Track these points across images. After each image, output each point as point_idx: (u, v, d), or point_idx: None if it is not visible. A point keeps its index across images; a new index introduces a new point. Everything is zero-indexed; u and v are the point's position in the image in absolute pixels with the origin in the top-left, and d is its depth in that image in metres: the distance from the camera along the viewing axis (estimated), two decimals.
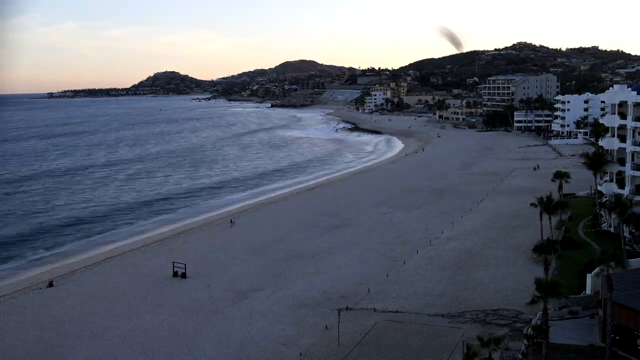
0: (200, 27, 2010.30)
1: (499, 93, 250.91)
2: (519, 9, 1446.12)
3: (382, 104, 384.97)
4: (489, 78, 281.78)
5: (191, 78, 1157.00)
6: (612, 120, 71.37)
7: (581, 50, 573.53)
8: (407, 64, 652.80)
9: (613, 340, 37.46)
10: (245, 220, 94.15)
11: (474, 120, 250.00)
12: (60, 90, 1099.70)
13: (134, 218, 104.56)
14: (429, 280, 60.11)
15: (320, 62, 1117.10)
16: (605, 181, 72.53)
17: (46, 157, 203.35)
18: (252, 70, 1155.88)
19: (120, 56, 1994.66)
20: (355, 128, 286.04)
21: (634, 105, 66.84)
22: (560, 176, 77.43)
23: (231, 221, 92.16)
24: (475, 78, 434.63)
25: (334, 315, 49.29)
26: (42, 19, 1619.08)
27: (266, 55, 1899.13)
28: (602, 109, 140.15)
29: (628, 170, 68.02)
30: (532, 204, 64.86)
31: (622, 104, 69.14)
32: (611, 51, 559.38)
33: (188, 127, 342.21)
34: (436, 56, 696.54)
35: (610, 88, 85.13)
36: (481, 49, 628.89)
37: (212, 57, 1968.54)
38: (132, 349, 47.69)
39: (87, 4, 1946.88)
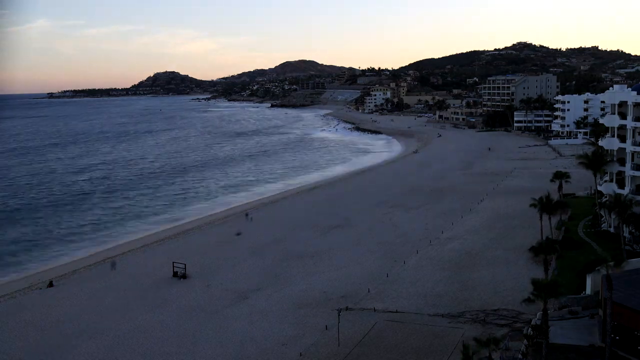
0: (200, 27, 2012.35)
1: (498, 93, 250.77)
2: (519, 9, 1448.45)
3: (382, 104, 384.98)
4: (489, 78, 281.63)
5: (191, 78, 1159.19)
6: (612, 120, 71.34)
7: (581, 50, 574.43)
8: (407, 64, 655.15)
9: (613, 340, 37.47)
10: (245, 220, 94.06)
11: (473, 120, 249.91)
12: (60, 91, 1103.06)
13: (134, 218, 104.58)
14: (429, 280, 60.08)
15: (320, 62, 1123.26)
16: (605, 181, 72.53)
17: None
18: (252, 70, 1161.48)
19: (118, 56, 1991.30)
20: (356, 128, 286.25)
21: (634, 105, 66.83)
22: (560, 176, 77.49)
23: (236, 222, 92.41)
24: (475, 78, 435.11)
25: (334, 315, 49.24)
26: (11, 18, 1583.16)
27: (266, 55, 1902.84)
28: (602, 109, 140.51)
29: (628, 170, 68.02)
30: (531, 205, 64.95)
31: (622, 104, 69.14)
32: (611, 51, 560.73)
33: None
34: (436, 56, 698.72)
35: (610, 88, 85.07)
36: (481, 49, 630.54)
37: (212, 57, 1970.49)
38: (132, 349, 47.71)
39: (57, 2, 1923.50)
